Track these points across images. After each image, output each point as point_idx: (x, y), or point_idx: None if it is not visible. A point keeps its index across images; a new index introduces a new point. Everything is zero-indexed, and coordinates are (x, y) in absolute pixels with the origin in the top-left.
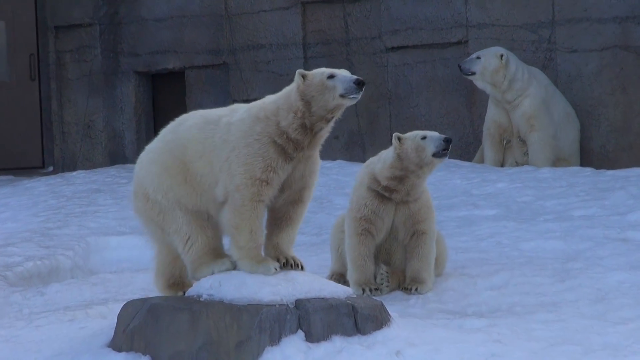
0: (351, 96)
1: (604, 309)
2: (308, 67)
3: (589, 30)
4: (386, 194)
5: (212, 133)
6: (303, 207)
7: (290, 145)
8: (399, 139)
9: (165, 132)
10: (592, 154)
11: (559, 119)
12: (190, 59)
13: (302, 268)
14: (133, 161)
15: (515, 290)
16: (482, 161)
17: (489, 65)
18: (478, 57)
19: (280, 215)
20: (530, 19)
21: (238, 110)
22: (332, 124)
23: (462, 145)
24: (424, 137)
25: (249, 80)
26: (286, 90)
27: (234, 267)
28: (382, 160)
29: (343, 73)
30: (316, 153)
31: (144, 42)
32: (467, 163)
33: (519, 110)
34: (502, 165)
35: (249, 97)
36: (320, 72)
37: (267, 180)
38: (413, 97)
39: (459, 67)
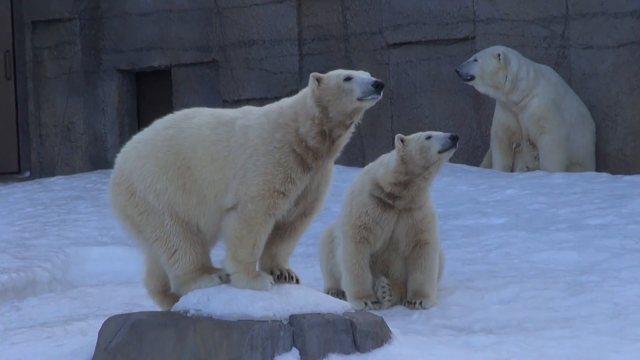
0: (370, 97)
1: (621, 325)
2: (304, 65)
3: (605, 25)
4: (389, 201)
5: (226, 136)
6: (311, 219)
7: (309, 154)
8: (402, 140)
9: (164, 124)
10: (608, 158)
11: (571, 120)
12: (177, 56)
13: (297, 281)
14: None
15: (525, 304)
16: (490, 166)
17: (486, 66)
18: (475, 60)
19: (286, 226)
20: (542, 14)
21: (252, 113)
22: (352, 129)
23: (468, 149)
24: (428, 137)
25: (240, 79)
26: (302, 93)
27: (224, 282)
28: (384, 165)
29: (360, 75)
30: (331, 162)
31: (128, 38)
32: (474, 168)
33: (527, 112)
34: (511, 171)
35: (240, 97)
36: (336, 74)
37: (285, 192)
38: (416, 97)
39: (457, 72)
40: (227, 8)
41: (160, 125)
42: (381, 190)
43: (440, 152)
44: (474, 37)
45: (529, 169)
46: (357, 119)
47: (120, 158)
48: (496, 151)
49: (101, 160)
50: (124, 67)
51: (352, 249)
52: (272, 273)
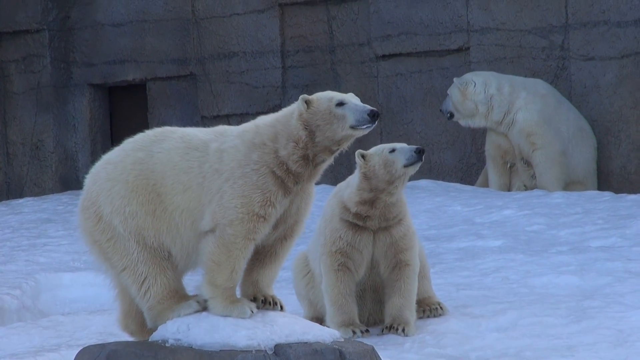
0: (364, 126)
1: (626, 354)
2: (287, 78)
3: (607, 35)
4: (359, 223)
5: (199, 162)
6: (292, 242)
7: (289, 177)
8: (363, 156)
9: (135, 146)
10: (611, 176)
11: (568, 134)
12: (152, 70)
13: (281, 308)
14: None
15: (524, 332)
16: (486, 185)
17: (454, 98)
18: (448, 94)
19: (265, 250)
20: (541, 23)
21: (227, 134)
22: (336, 154)
23: (463, 166)
24: (392, 150)
25: (219, 93)
26: (285, 113)
27: (203, 307)
28: (350, 185)
29: (353, 100)
30: (312, 184)
31: (100, 51)
32: (469, 187)
33: (515, 128)
34: (508, 190)
35: (219, 113)
36: (327, 98)
37: (264, 216)
38: (407, 112)
39: (441, 111)
40: (205, 18)
41: (130, 146)
42: (349, 212)
43: (405, 166)
44: (468, 48)
45: (526, 188)
46: (345, 145)
47: (89, 180)
48: (491, 170)
49: (72, 181)
50: (96, 81)
51: (333, 279)
52: (255, 299)
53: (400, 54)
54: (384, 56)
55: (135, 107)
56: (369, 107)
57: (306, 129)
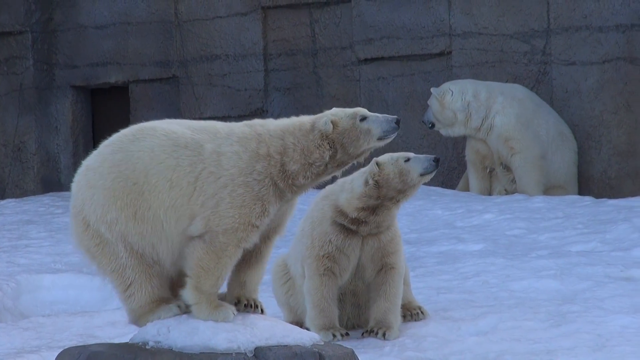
0: (390, 136)
1: (605, 358)
2: (269, 81)
3: (589, 40)
4: (353, 227)
5: (189, 161)
6: (274, 241)
7: (292, 189)
8: (378, 164)
9: (112, 149)
10: (591, 181)
11: (547, 138)
12: (135, 72)
13: (262, 311)
14: (69, 188)
15: (504, 336)
16: (466, 189)
17: (434, 108)
18: (428, 104)
19: (251, 251)
20: (523, 27)
21: (221, 135)
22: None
23: (444, 170)
24: (407, 160)
25: (202, 96)
26: (295, 126)
27: (183, 312)
28: (348, 190)
29: (369, 113)
30: None
31: (83, 53)
32: (449, 191)
33: (493, 133)
34: (489, 194)
35: (201, 115)
36: (349, 115)
37: (259, 225)
38: None
39: (423, 122)
40: (188, 21)
41: (108, 150)
42: (345, 217)
43: (422, 174)
44: (450, 52)
45: (507, 192)
46: (362, 159)
47: (74, 187)
48: (472, 174)
49: (54, 182)
50: (78, 83)
51: (317, 283)
52: (239, 302)
53: (382, 58)
54: (366, 60)
55: (117, 109)
56: (390, 116)
57: (330, 149)
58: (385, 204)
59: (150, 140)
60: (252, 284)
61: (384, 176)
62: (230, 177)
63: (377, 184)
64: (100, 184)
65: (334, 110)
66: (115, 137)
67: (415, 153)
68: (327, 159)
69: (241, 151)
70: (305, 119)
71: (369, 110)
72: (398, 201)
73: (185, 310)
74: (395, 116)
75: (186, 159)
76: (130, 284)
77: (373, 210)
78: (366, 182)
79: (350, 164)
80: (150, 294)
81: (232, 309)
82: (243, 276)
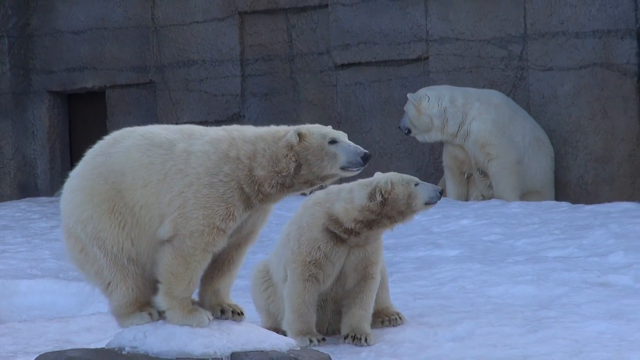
0: (355, 169)
1: None
2: (246, 87)
3: (566, 46)
4: (344, 236)
5: (161, 159)
6: (247, 249)
7: (258, 196)
8: (391, 182)
9: (93, 153)
10: (568, 187)
11: (524, 143)
12: (112, 77)
13: (241, 313)
14: (46, 193)
15: (480, 341)
16: (444, 194)
17: (410, 114)
18: (405, 110)
19: (222, 258)
20: (500, 33)
21: (195, 136)
22: (314, 188)
23: (421, 176)
24: (416, 184)
25: (178, 101)
26: (269, 134)
27: (155, 319)
28: (347, 200)
29: (344, 139)
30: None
31: (59, 58)
32: None
33: (470, 139)
34: (466, 200)
35: (178, 121)
36: (321, 134)
37: (225, 229)
38: (366, 121)
39: (399, 128)
40: (165, 26)
41: (89, 156)
42: (338, 225)
43: (426, 203)
44: (427, 58)
45: (484, 198)
46: (329, 182)
47: (61, 198)
48: (449, 180)
49: (31, 187)
50: (55, 88)
51: (300, 288)
52: (223, 310)
53: (359, 63)
54: (343, 65)
55: (94, 114)
56: (361, 149)
57: (295, 161)
58: (382, 221)
59: (127, 141)
60: (226, 290)
61: (393, 195)
62: (196, 176)
63: (384, 201)
64: (81, 185)
65: (315, 125)
66: (97, 144)
67: (392, 158)
68: (292, 171)
69: (211, 151)
70: (282, 128)
71: (345, 115)
72: (395, 222)
73: (158, 317)
74: (366, 151)
75: (159, 157)
76: (108, 283)
77: (369, 224)
78: (372, 197)
79: (318, 185)
80: (126, 294)
81: (207, 314)
82: (216, 284)
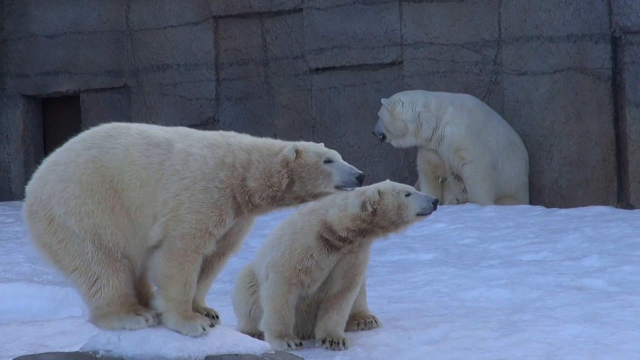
0: (348, 189)
1: None
2: (221, 91)
3: (540, 50)
4: (338, 244)
5: (160, 159)
6: (228, 258)
7: (248, 206)
8: (379, 192)
9: (85, 144)
10: (542, 190)
11: (498, 147)
12: (86, 81)
13: (216, 317)
14: (20, 197)
15: (455, 345)
16: None
17: (384, 120)
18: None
19: (202, 265)
20: (474, 37)
21: (192, 138)
22: (304, 204)
23: (395, 180)
24: (408, 194)
25: (153, 105)
26: (264, 145)
27: (151, 325)
28: (340, 207)
29: (338, 158)
30: None
31: (34, 62)
32: None
33: (444, 143)
34: (441, 204)
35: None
36: (317, 152)
37: (216, 234)
38: (340, 125)
39: (374, 133)
40: (139, 30)
41: (79, 145)
42: (332, 233)
43: (418, 214)
44: (402, 62)
45: (458, 202)
46: (320, 199)
47: (36, 183)
48: (423, 184)
49: (5, 192)
50: (29, 92)
51: (284, 290)
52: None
53: (333, 68)
54: (317, 69)
55: (68, 118)
56: (356, 169)
57: (289, 177)
58: (375, 231)
59: (124, 138)
60: (201, 295)
61: (383, 206)
62: (192, 180)
63: (375, 212)
64: (76, 177)
65: (309, 143)
66: (86, 133)
67: (366, 162)
68: (284, 187)
69: (209, 156)
70: (278, 142)
71: (320, 119)
72: (388, 232)
73: (153, 323)
74: (360, 172)
75: (157, 157)
76: (96, 279)
77: (362, 233)
78: (363, 207)
79: (307, 202)
80: (118, 289)
81: (203, 323)
82: (196, 290)
